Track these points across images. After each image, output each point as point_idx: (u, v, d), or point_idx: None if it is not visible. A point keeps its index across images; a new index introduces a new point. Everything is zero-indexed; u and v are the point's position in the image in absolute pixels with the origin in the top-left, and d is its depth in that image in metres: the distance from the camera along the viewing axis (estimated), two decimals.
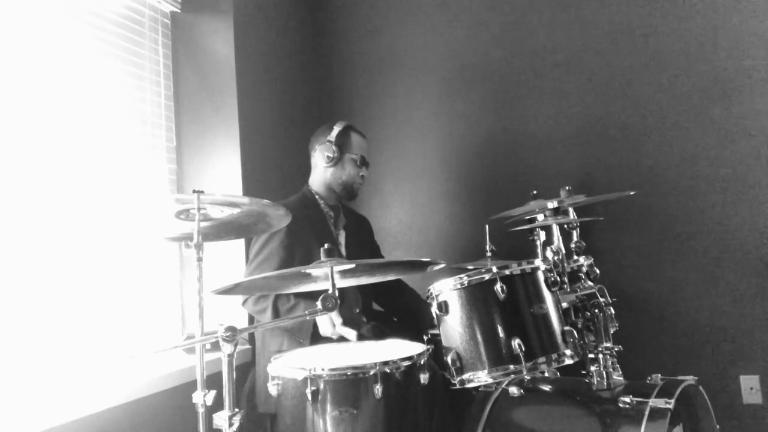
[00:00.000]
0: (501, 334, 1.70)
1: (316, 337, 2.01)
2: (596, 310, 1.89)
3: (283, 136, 2.83)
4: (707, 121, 2.59)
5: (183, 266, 2.44)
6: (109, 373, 1.92)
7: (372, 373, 1.51)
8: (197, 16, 2.56)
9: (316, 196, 2.33)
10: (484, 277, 1.73)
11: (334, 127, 2.32)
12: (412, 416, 1.61)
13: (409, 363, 1.58)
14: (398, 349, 1.73)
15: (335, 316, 1.95)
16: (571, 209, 2.33)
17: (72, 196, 1.94)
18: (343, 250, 2.32)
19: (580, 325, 1.89)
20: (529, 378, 1.93)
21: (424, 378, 1.60)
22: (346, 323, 1.96)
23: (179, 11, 2.55)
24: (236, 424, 1.36)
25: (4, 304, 1.70)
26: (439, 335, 1.83)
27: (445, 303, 1.78)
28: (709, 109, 2.59)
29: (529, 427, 1.84)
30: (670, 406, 1.58)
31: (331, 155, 2.28)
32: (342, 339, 1.97)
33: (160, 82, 2.45)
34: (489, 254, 2.26)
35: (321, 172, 2.34)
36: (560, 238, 2.08)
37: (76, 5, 2.04)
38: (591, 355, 1.86)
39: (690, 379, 1.76)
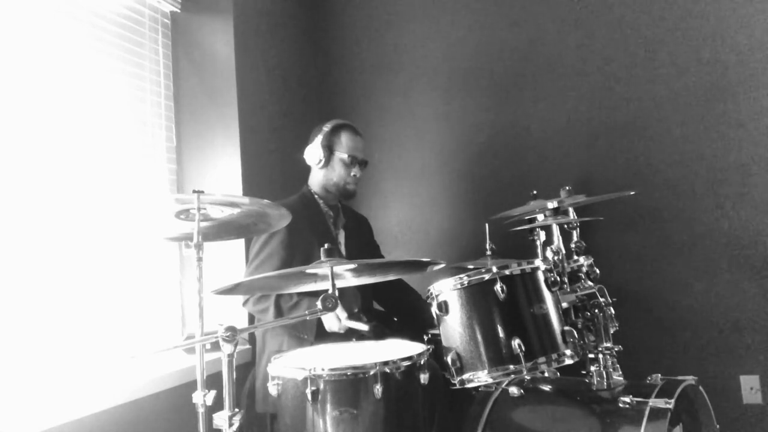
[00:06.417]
0: (501, 334, 1.70)
1: (320, 333, 2.01)
2: (596, 310, 1.89)
3: (283, 136, 2.83)
4: (707, 120, 2.59)
5: (183, 266, 2.44)
6: (109, 373, 1.92)
7: (372, 373, 1.51)
8: (197, 16, 2.56)
9: (316, 196, 2.33)
10: (484, 277, 1.73)
11: (323, 128, 2.30)
12: (412, 416, 1.61)
13: (409, 363, 1.58)
14: (398, 349, 1.73)
15: (340, 311, 1.96)
16: (571, 209, 2.33)
17: (72, 197, 1.94)
18: (342, 249, 2.32)
19: (580, 325, 1.89)
20: (529, 378, 1.93)
21: (424, 378, 1.60)
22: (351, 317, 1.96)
23: (179, 11, 2.55)
24: (236, 424, 1.36)
25: (4, 304, 1.70)
26: (439, 335, 1.83)
27: (445, 303, 1.78)
28: (710, 108, 2.59)
29: (529, 427, 1.84)
30: (670, 406, 1.59)
31: (320, 156, 2.27)
32: (349, 332, 1.97)
33: (160, 82, 2.45)
34: (489, 254, 2.26)
35: (316, 173, 2.34)
36: (560, 238, 2.08)
37: (76, 5, 2.04)
38: (591, 355, 1.87)
39: (690, 379, 1.76)
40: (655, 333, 2.61)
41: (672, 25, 2.65)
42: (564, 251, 2.01)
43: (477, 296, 1.75)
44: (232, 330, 1.34)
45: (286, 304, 2.02)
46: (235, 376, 1.37)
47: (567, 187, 2.26)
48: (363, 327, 1.93)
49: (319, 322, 2.01)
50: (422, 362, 1.61)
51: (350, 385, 1.52)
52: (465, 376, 1.73)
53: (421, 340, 1.82)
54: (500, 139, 2.92)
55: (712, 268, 2.56)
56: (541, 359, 1.70)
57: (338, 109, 3.16)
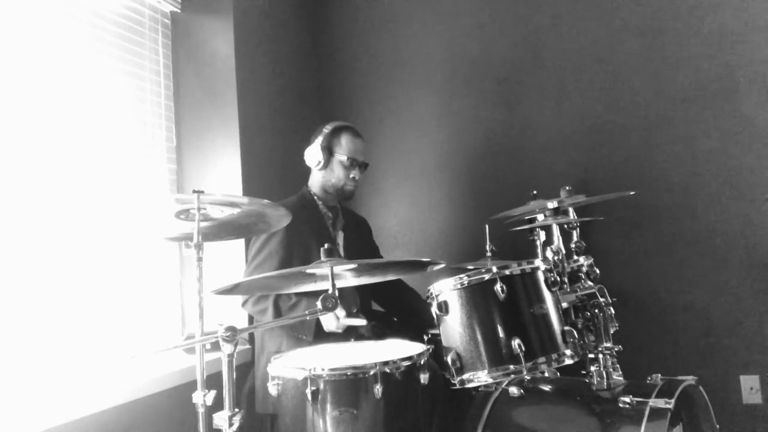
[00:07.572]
0: (501, 334, 1.70)
1: (319, 333, 2.01)
2: (596, 310, 1.89)
3: (283, 136, 2.83)
4: (707, 120, 2.59)
5: (183, 266, 2.44)
6: (109, 373, 1.92)
7: (372, 373, 1.51)
8: (197, 16, 2.56)
9: (315, 197, 2.33)
10: (484, 277, 1.73)
11: (324, 129, 2.30)
12: (412, 416, 1.62)
13: (409, 363, 1.58)
14: (398, 349, 1.73)
15: (339, 310, 1.95)
16: (571, 209, 2.33)
17: (72, 197, 1.94)
18: (341, 250, 2.32)
19: (580, 325, 1.89)
20: (529, 378, 1.93)
21: (424, 378, 1.60)
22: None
23: (179, 11, 2.55)
24: (236, 424, 1.36)
25: (4, 304, 1.70)
26: (439, 335, 1.83)
27: (445, 303, 1.78)
28: (710, 108, 2.59)
29: (529, 427, 1.84)
30: (670, 406, 1.58)
31: (319, 158, 2.26)
32: (348, 332, 1.97)
33: (160, 82, 2.45)
34: (489, 254, 2.26)
35: (315, 174, 2.34)
36: (560, 238, 2.08)
37: (76, 5, 2.04)
38: (591, 355, 1.87)
39: (690, 379, 1.76)
40: (655, 333, 2.61)
41: (674, 24, 2.65)
42: (564, 251, 2.01)
43: (477, 296, 1.75)
44: (232, 330, 1.33)
45: (285, 304, 2.02)
46: (235, 376, 1.37)
47: (567, 187, 2.26)
48: (361, 322, 1.94)
49: (318, 323, 2.01)
50: (422, 362, 1.61)
51: (350, 385, 1.52)
52: (465, 376, 1.73)
53: (421, 340, 1.82)
54: (500, 139, 2.92)
55: (712, 267, 2.56)
56: (541, 359, 1.70)
57: (338, 109, 3.16)
